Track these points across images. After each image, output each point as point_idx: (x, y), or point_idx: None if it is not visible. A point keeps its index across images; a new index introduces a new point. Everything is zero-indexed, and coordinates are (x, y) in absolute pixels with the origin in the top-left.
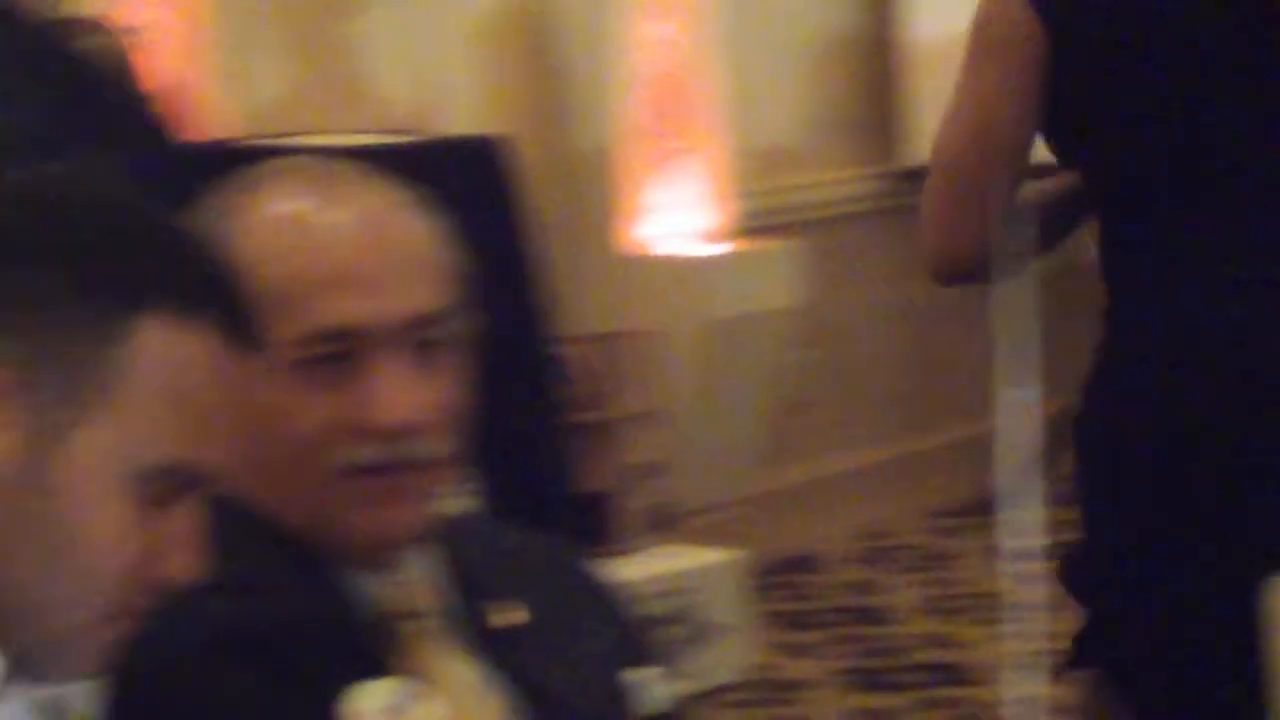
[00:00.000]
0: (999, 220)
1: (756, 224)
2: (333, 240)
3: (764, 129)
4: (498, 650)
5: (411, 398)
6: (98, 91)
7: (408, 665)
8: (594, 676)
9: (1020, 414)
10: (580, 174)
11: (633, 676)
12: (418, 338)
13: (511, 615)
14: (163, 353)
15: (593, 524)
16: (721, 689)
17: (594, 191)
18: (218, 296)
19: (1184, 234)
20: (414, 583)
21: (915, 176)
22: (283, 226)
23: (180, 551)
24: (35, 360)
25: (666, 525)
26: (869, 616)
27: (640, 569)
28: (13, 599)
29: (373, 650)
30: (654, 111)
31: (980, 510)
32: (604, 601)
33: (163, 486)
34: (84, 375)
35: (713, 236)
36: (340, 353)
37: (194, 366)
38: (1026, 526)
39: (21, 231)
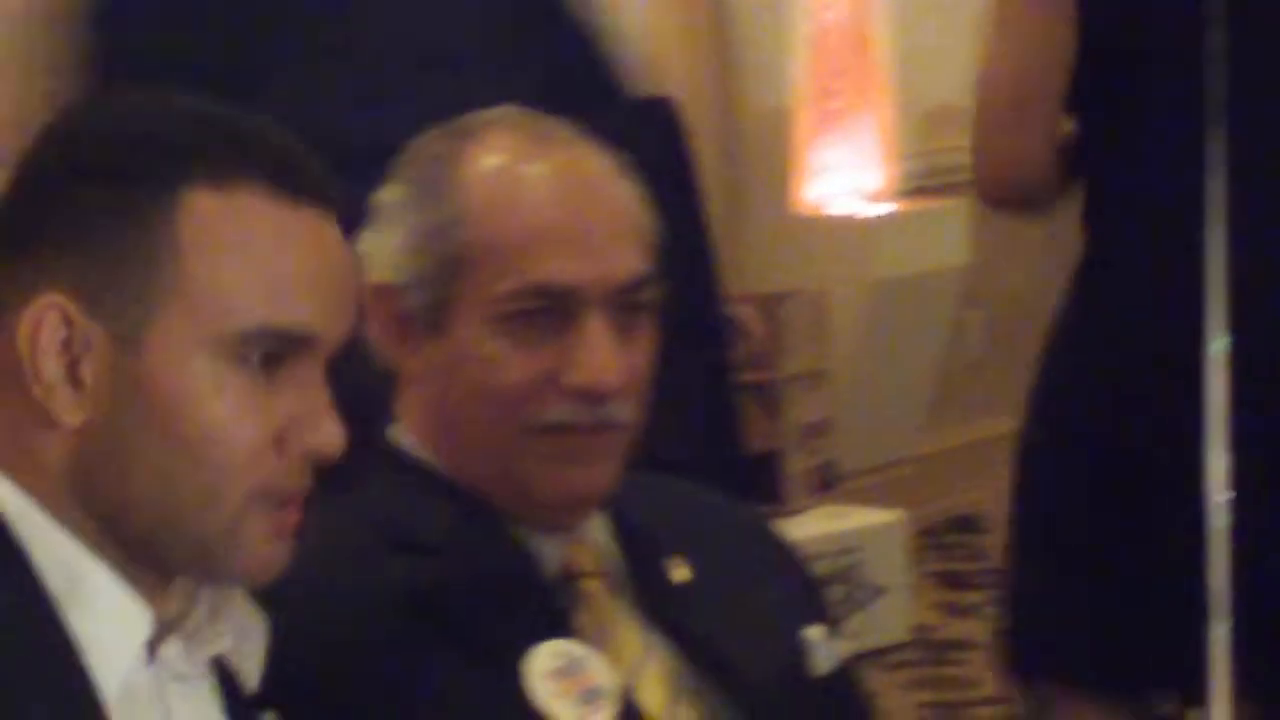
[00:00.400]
0: (1039, 156)
1: (925, 183)
2: (550, 199)
3: (932, 88)
4: (668, 608)
5: (614, 361)
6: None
7: (584, 624)
8: (768, 635)
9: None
10: (752, 134)
11: (808, 635)
12: (622, 302)
13: (681, 573)
14: (208, 222)
15: (759, 484)
16: (883, 649)
17: (765, 151)
18: (253, 155)
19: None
20: (591, 543)
21: None
22: (502, 180)
23: (316, 420)
24: (91, 273)
25: (830, 485)
26: None
27: (804, 529)
28: (155, 522)
29: (552, 609)
30: (824, 72)
31: None
32: (780, 559)
33: (263, 354)
34: (140, 270)
35: (881, 196)
36: (549, 310)
37: (245, 226)
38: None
39: (59, 155)
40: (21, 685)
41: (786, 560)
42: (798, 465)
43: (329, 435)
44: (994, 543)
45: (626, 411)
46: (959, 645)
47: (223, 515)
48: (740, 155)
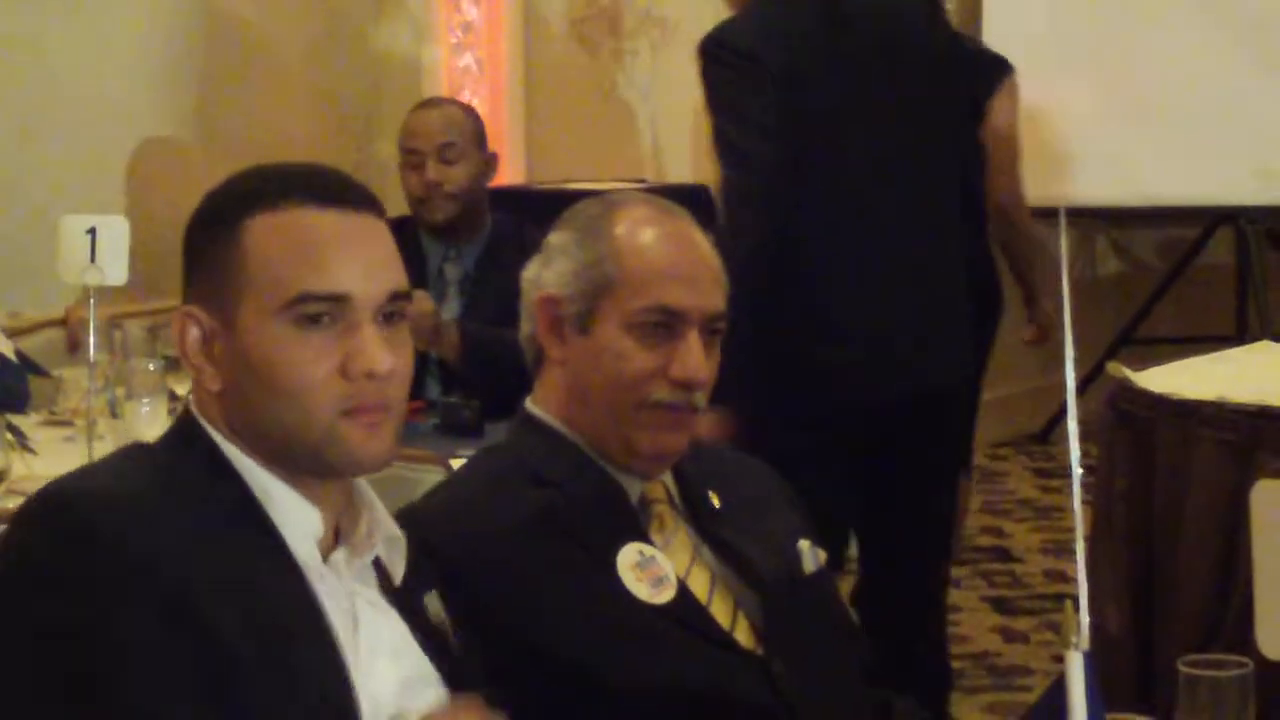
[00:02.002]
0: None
1: None
2: (670, 248)
3: None
4: (709, 525)
5: (704, 365)
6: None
7: (655, 535)
8: (773, 545)
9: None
10: None
11: (800, 545)
12: (709, 326)
13: (715, 501)
14: (262, 234)
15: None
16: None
17: None
18: (295, 185)
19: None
20: (660, 481)
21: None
22: (639, 233)
23: (365, 352)
24: (205, 288)
25: None
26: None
27: None
28: (280, 443)
29: (635, 524)
30: None
31: (1024, 442)
32: (779, 493)
33: (311, 314)
34: (226, 278)
35: None
36: (664, 324)
37: (289, 228)
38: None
39: (204, 206)
40: (249, 554)
41: (785, 493)
42: None
43: (374, 360)
44: None
45: (702, 400)
46: None
47: (319, 429)
48: None
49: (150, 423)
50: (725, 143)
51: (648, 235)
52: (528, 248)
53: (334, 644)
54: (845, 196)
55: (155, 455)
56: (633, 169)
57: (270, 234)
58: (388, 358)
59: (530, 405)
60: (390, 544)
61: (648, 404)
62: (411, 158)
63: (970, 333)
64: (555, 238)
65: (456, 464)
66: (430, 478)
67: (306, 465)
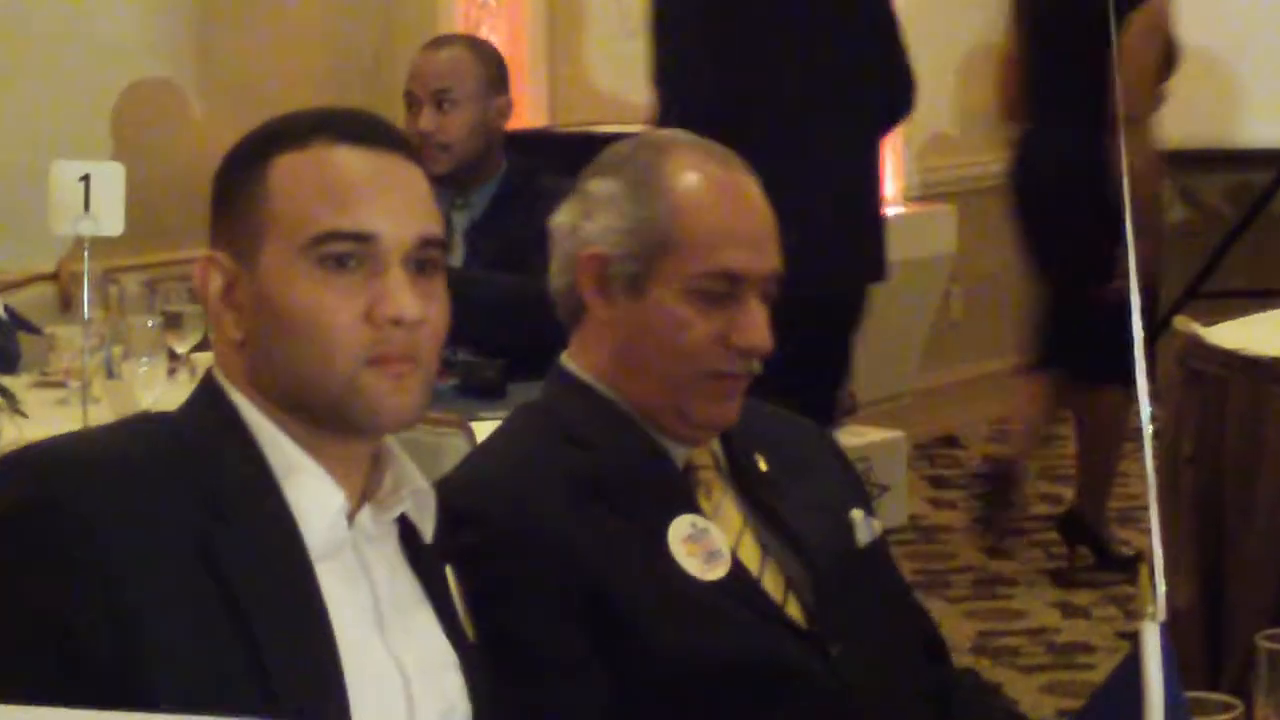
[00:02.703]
0: None
1: (923, 193)
2: (734, 209)
3: (938, 120)
4: (755, 492)
5: (767, 331)
6: None
7: (704, 504)
8: (826, 515)
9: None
10: None
11: (853, 515)
12: (767, 289)
13: (762, 465)
14: (288, 171)
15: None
16: (887, 531)
17: None
18: (327, 124)
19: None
20: (706, 445)
21: None
22: (700, 190)
23: (392, 298)
24: (231, 232)
25: (851, 411)
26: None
27: None
28: (302, 395)
29: (682, 492)
30: None
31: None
32: (833, 458)
33: (336, 254)
34: (250, 218)
35: (893, 200)
36: (725, 290)
37: (315, 165)
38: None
39: (233, 151)
40: (252, 532)
41: (839, 459)
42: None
43: (402, 307)
44: (970, 455)
45: (759, 366)
46: (943, 529)
47: (340, 377)
48: None
49: (148, 383)
50: (664, 72)
51: (707, 190)
52: (543, 197)
53: (327, 637)
54: (783, 123)
55: (164, 421)
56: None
57: (296, 172)
58: (417, 303)
59: (567, 361)
60: (418, 499)
61: (707, 374)
62: (410, 100)
63: (881, 239)
64: (598, 185)
65: (479, 427)
66: (453, 442)
67: (327, 422)
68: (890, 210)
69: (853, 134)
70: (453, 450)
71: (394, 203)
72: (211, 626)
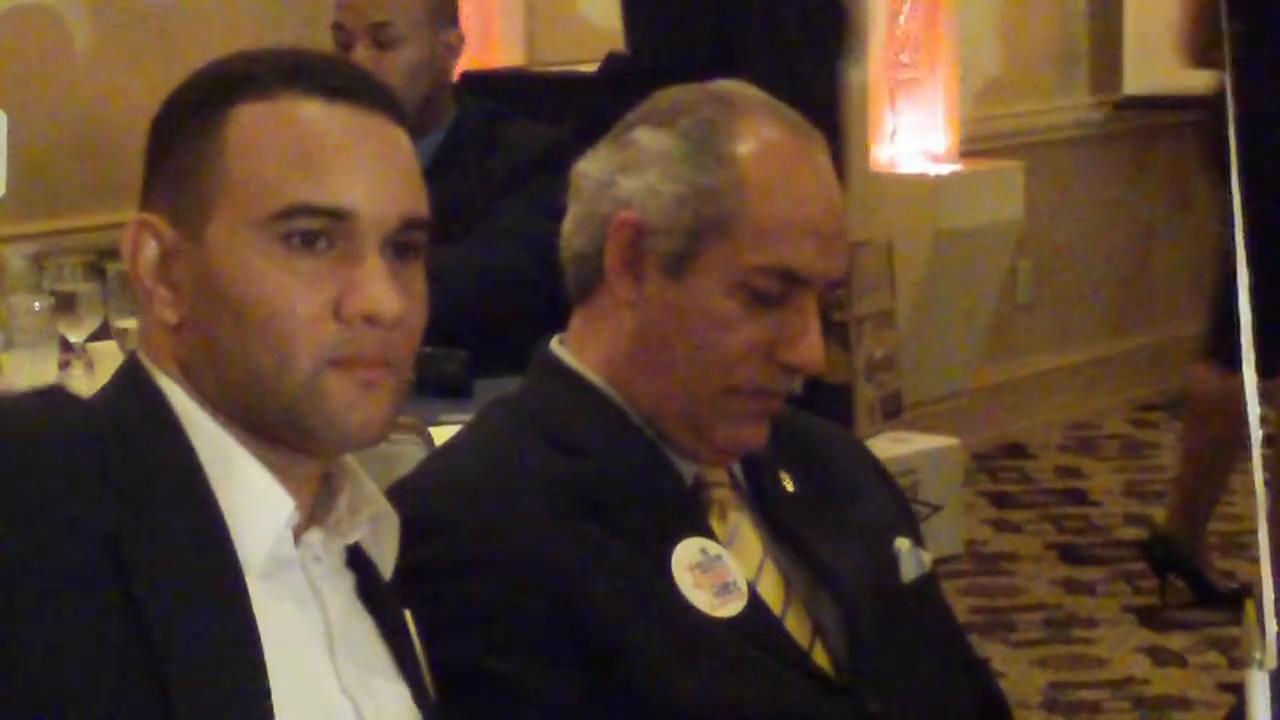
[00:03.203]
0: None
1: (986, 146)
2: (812, 196)
3: (994, 60)
4: (779, 515)
5: (823, 348)
6: None
7: (716, 527)
8: (865, 543)
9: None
10: None
11: (898, 545)
12: (828, 299)
13: (788, 485)
14: (250, 125)
15: (836, 412)
16: (938, 561)
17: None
18: (297, 73)
19: None
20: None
21: (1132, 105)
22: (776, 168)
23: (366, 289)
24: (173, 192)
25: (895, 414)
26: (1074, 498)
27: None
28: (249, 397)
29: (691, 512)
30: (898, 47)
31: (1176, 404)
32: (875, 477)
33: (303, 231)
34: (199, 177)
35: (945, 157)
36: (781, 291)
37: (282, 122)
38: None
39: (175, 96)
40: (172, 537)
41: (881, 478)
42: (867, 396)
43: (379, 299)
44: (1039, 467)
45: (799, 385)
46: (1006, 558)
47: (297, 379)
48: None
49: (36, 376)
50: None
51: (781, 167)
52: (501, 148)
53: (252, 663)
54: (779, 68)
55: (78, 401)
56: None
57: (261, 127)
58: (395, 299)
59: (557, 348)
60: (377, 525)
61: (741, 388)
62: (339, 35)
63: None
64: (647, 136)
65: (439, 433)
66: (410, 450)
67: (276, 429)
68: (938, 169)
69: (826, 78)
70: (409, 460)
71: (375, 174)
72: (107, 638)
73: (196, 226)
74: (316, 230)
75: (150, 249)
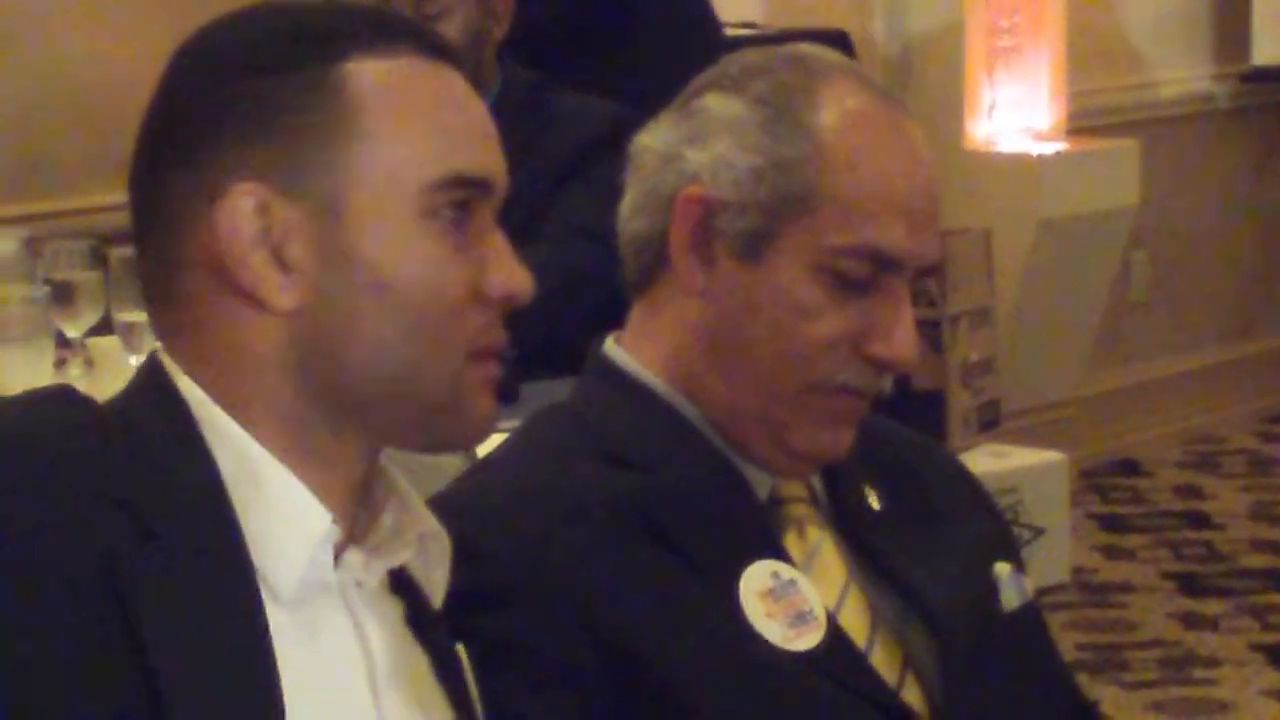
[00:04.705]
0: None
1: (1095, 122)
2: (903, 170)
3: (1106, 26)
4: (864, 536)
5: (914, 340)
6: None
7: (792, 548)
8: (960, 568)
9: None
10: (922, 69)
11: (998, 571)
12: (920, 287)
13: (874, 502)
14: (377, 85)
15: (923, 421)
16: (1042, 590)
17: (935, 87)
18: (394, 27)
19: None
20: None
21: (1262, 77)
22: (864, 139)
23: (503, 267)
24: (278, 158)
25: (993, 424)
26: (1195, 521)
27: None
28: (379, 393)
29: (764, 531)
30: (996, 7)
31: None
32: (972, 495)
33: (453, 203)
34: (323, 142)
35: (1050, 134)
36: (869, 276)
37: (411, 85)
38: None
39: (217, 60)
40: (180, 558)
41: (978, 496)
42: (961, 403)
43: (522, 279)
44: (1156, 486)
45: (889, 385)
46: (1118, 588)
47: (446, 374)
48: (910, 90)
49: (30, 375)
50: None
51: (870, 138)
52: (554, 121)
53: (270, 709)
54: None
55: (91, 405)
56: (735, 7)
57: (387, 86)
58: (529, 275)
59: (613, 348)
60: (427, 545)
61: (823, 386)
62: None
63: None
64: (718, 103)
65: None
66: (450, 462)
67: (389, 430)
68: (1042, 148)
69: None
70: (447, 473)
71: (494, 139)
72: (101, 668)
73: (325, 199)
74: (466, 201)
75: (252, 225)
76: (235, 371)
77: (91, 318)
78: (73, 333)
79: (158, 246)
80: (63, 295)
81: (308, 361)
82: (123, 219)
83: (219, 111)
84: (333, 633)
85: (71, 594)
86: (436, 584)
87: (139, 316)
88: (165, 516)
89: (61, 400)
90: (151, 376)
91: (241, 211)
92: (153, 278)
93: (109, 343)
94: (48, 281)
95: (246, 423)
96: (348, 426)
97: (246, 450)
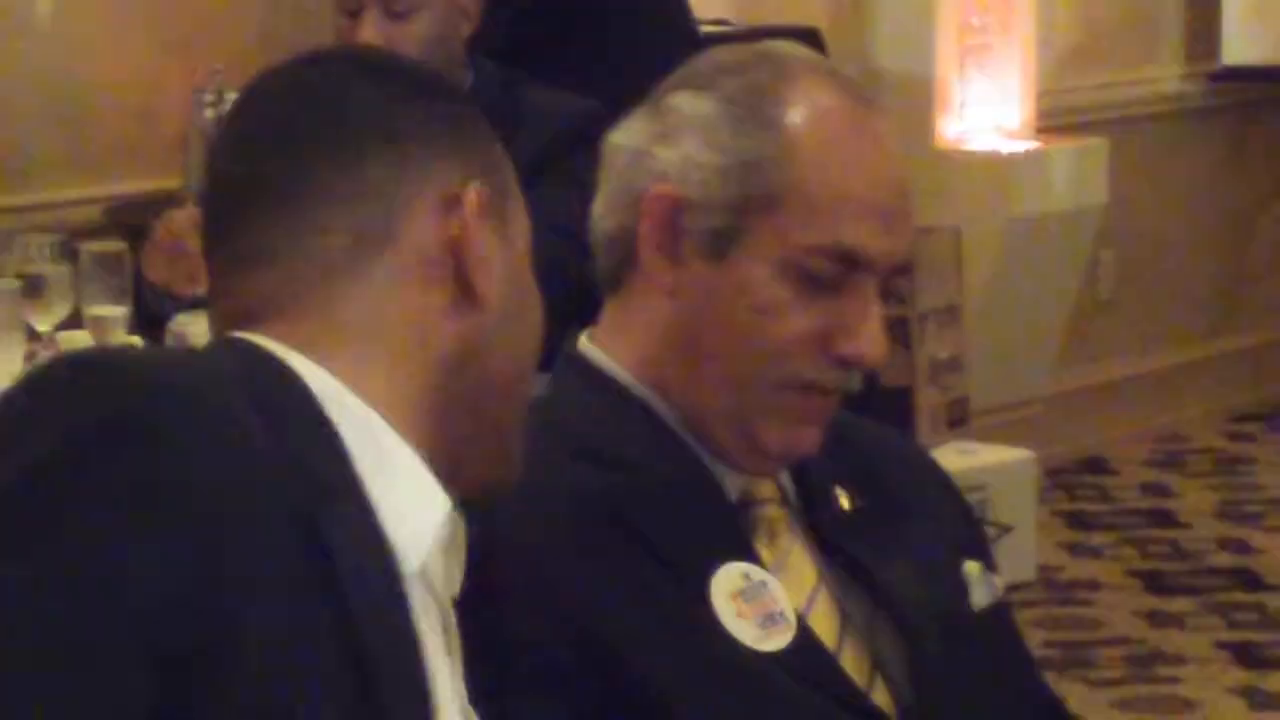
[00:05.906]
0: None
1: (1064, 121)
2: (873, 168)
3: (1076, 24)
4: (834, 537)
5: (884, 338)
6: None
7: (763, 549)
8: (931, 568)
9: None
10: (891, 67)
11: (968, 570)
12: (890, 286)
13: (844, 501)
14: (814, 151)
15: (890, 418)
16: (1008, 588)
17: (904, 85)
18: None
19: None
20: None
21: (1231, 76)
22: (832, 137)
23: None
24: (489, 171)
25: (961, 422)
26: (1161, 519)
27: None
28: (504, 392)
29: (735, 532)
30: (966, 5)
31: (1276, 415)
32: (943, 493)
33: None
34: (505, 169)
35: (1020, 133)
36: (838, 274)
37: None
38: None
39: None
40: (349, 532)
41: (948, 493)
42: (929, 401)
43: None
44: (1122, 484)
45: (858, 383)
46: (1085, 586)
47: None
48: (880, 88)
49: None
50: None
51: (838, 134)
52: (528, 118)
53: (422, 680)
54: None
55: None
56: (708, 4)
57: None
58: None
59: (586, 345)
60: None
61: (791, 383)
62: (346, 3)
63: None
64: (686, 101)
65: None
66: None
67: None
68: (1012, 146)
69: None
70: None
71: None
72: (313, 634)
73: (500, 210)
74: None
75: (481, 214)
76: (404, 361)
77: (61, 311)
78: (43, 327)
79: (313, 218)
80: (33, 289)
81: (465, 362)
82: (93, 213)
83: (433, 118)
84: (425, 607)
85: (275, 550)
86: (453, 574)
87: (108, 311)
88: (325, 489)
89: (190, 362)
90: (248, 350)
91: (468, 201)
92: (285, 251)
93: (79, 336)
94: (18, 275)
95: (374, 404)
96: (460, 426)
97: (368, 422)
